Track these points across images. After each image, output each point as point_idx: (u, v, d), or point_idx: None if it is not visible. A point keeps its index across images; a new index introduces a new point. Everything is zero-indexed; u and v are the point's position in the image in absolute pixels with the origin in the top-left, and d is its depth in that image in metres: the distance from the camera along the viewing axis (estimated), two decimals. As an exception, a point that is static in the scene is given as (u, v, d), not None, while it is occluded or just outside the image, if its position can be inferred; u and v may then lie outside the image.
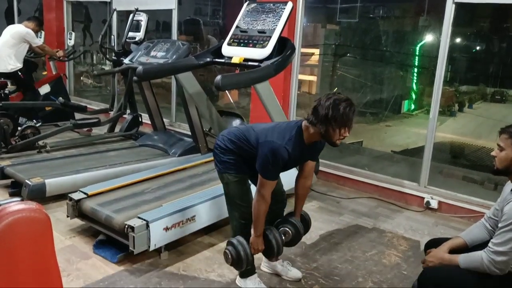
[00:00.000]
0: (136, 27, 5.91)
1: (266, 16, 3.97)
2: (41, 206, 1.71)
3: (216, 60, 4.20)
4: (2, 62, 6.22)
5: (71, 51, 7.28)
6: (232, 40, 4.08)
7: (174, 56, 4.72)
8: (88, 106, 7.44)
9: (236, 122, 5.26)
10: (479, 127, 8.47)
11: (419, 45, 7.92)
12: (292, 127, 2.63)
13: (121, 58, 5.73)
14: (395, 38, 8.15)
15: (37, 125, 6.04)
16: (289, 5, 3.96)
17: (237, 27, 4.13)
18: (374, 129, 8.29)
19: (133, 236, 3.13)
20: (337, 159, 5.53)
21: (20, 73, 6.37)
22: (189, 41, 7.97)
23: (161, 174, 4.33)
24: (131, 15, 5.90)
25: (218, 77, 3.40)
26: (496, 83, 9.15)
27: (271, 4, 4.07)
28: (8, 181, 4.56)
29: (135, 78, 4.51)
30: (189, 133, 5.36)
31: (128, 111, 6.64)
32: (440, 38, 4.46)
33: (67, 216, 3.70)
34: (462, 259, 2.33)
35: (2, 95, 6.25)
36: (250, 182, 2.93)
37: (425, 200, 4.60)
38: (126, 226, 3.18)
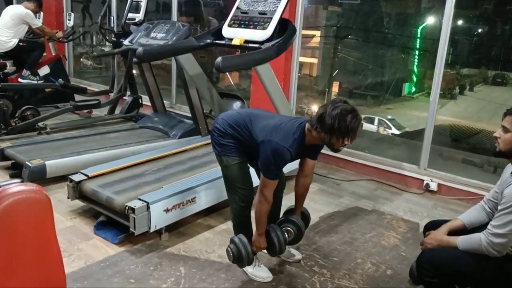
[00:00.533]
0: (135, 8, 5.84)
1: (267, -3, 3.92)
2: (41, 188, 1.72)
3: (217, 41, 4.16)
4: (1, 43, 6.17)
5: (70, 32, 7.21)
6: (232, 21, 4.04)
7: (174, 38, 4.67)
8: (88, 87, 7.41)
9: (237, 104, 5.25)
10: (480, 110, 8.47)
11: (421, 28, 7.87)
12: (296, 128, 2.61)
13: (121, 40, 5.68)
14: (397, 20, 8.09)
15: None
16: (291, -14, 3.91)
17: (237, 8, 4.09)
18: (375, 111, 8.29)
19: (134, 218, 3.15)
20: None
21: (21, 43, 6.30)
22: (189, 22, 7.92)
23: (161, 156, 4.33)
24: (130, -4, 5.84)
25: (219, 59, 3.38)
26: (498, 66, 9.11)
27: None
28: (9, 163, 4.57)
29: (135, 59, 4.49)
30: (190, 115, 5.35)
31: (128, 92, 6.62)
32: (442, 21, 4.42)
33: (68, 198, 3.71)
34: (461, 241, 2.35)
35: (1, 76, 6.22)
36: (249, 165, 2.93)
37: (425, 182, 4.62)
38: (127, 208, 3.19)
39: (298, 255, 3.23)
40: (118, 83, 6.74)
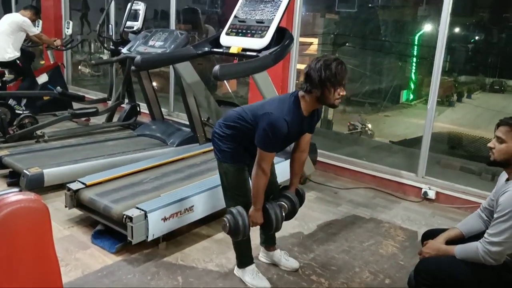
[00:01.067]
0: (134, 16, 5.87)
1: (265, 6, 3.94)
2: (39, 197, 1.72)
3: (214, 50, 4.18)
4: (0, 51, 6.19)
5: (68, 40, 7.23)
6: (230, 29, 4.06)
7: (172, 46, 4.70)
8: (86, 95, 7.40)
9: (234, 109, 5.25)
10: (478, 117, 8.47)
11: (418, 35, 7.90)
12: (289, 98, 2.62)
13: (119, 48, 5.70)
14: (394, 28, 8.12)
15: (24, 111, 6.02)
16: (288, -6, 3.93)
17: (235, 16, 4.11)
18: (373, 119, 8.29)
19: (131, 226, 3.14)
20: (335, 150, 5.54)
21: (18, 62, 6.34)
22: (187, 30, 7.95)
23: (159, 164, 4.33)
24: (129, 4, 5.86)
25: (217, 67, 3.39)
26: (495, 73, 9.14)
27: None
28: (6, 171, 4.56)
29: (133, 67, 4.50)
30: (187, 122, 5.36)
31: (126, 100, 6.62)
32: (439, 28, 4.44)
33: (65, 206, 3.70)
34: (458, 250, 2.35)
35: (0, 84, 6.23)
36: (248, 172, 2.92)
37: (423, 190, 4.62)
38: (125, 216, 3.18)
39: (295, 264, 3.22)
40: (116, 91, 6.75)
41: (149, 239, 3.24)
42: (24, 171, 4.09)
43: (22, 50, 6.44)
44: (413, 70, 8.81)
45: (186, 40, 4.80)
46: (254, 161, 2.66)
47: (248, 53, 3.84)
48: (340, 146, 6.13)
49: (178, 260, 3.27)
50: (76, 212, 3.77)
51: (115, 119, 6.67)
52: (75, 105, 6.63)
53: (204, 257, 3.33)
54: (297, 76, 5.69)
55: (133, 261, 3.22)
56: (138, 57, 3.98)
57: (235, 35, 3.99)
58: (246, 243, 2.98)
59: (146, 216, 3.20)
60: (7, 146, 5.16)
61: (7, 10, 9.87)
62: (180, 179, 3.99)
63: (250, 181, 2.81)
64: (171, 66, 5.87)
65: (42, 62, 8.44)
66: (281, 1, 3.89)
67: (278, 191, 2.99)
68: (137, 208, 3.27)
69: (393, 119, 8.53)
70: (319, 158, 5.15)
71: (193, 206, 3.52)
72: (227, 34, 4.05)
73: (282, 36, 3.86)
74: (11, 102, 6.20)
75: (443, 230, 2.62)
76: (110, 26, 7.14)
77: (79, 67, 10.21)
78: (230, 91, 7.10)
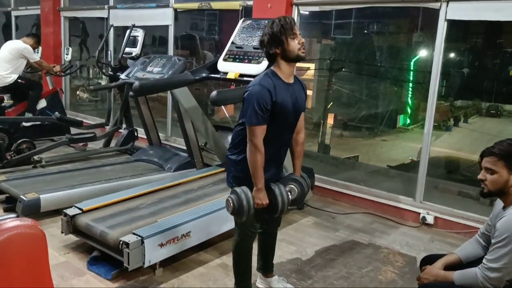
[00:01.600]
0: (132, 42, 5.94)
1: (261, 33, 4.00)
2: (36, 223, 1.72)
3: (212, 75, 4.23)
4: (0, 77, 6.24)
5: (67, 66, 7.30)
6: (227, 56, 4.11)
7: (170, 72, 4.74)
8: (84, 120, 7.42)
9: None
10: (475, 141, 8.52)
11: (413, 61, 7.99)
12: (262, 72, 2.69)
13: (118, 73, 5.74)
14: (389, 54, 8.23)
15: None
16: (284, 21, 3.99)
17: (232, 43, 4.17)
18: (370, 143, 8.33)
19: (128, 252, 3.11)
20: (333, 174, 5.54)
21: (20, 80, 6.39)
22: (185, 56, 8.03)
23: (156, 189, 4.31)
24: (128, 31, 5.94)
25: (214, 93, 3.43)
26: (491, 97, 9.23)
27: (267, 21, 4.10)
28: (3, 197, 4.53)
29: (131, 93, 4.53)
30: (185, 148, 5.36)
31: (124, 125, 6.64)
32: (434, 54, 4.50)
33: (62, 232, 3.67)
34: (457, 275, 2.33)
35: (-2, 109, 6.27)
36: None
37: (421, 215, 4.60)
38: (121, 242, 3.16)
39: (294, 290, 3.18)
40: (114, 116, 6.78)
41: (146, 265, 3.21)
42: (21, 196, 4.07)
43: (33, 81, 6.54)
44: (409, 95, 8.89)
45: (184, 66, 4.85)
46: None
47: (245, 78, 3.88)
48: (338, 171, 6.13)
49: (174, 286, 3.23)
50: (72, 238, 3.73)
51: (112, 144, 6.68)
52: (73, 130, 6.64)
53: (201, 283, 3.29)
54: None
55: (129, 288, 3.18)
56: (136, 83, 4.01)
57: (233, 61, 4.04)
58: (246, 269, 2.94)
59: (142, 242, 3.17)
60: (4, 172, 5.15)
61: (8, 37, 9.97)
62: (177, 205, 3.98)
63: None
64: (168, 91, 5.91)
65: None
66: (278, 28, 3.95)
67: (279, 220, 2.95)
68: (134, 234, 3.24)
69: (390, 143, 8.56)
70: (316, 183, 5.15)
71: (190, 232, 3.50)
72: (225, 60, 4.10)
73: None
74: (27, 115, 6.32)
75: (442, 256, 2.60)
76: (109, 52, 7.21)
77: (78, 92, 10.27)
78: (227, 116, 7.13)
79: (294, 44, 2.54)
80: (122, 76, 5.29)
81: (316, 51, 8.23)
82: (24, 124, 6.47)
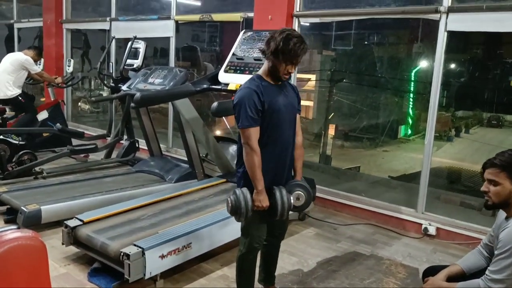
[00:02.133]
0: (134, 54, 5.97)
1: (262, 44, 4.02)
2: (37, 234, 1.71)
3: (213, 86, 4.25)
4: (1, 88, 6.28)
5: (69, 77, 7.33)
6: (228, 67, 4.13)
7: (172, 83, 4.75)
8: (86, 132, 7.45)
9: (233, 148, 5.27)
10: (476, 152, 8.51)
11: (413, 71, 8.02)
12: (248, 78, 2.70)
13: (119, 85, 5.77)
14: (389, 65, 8.25)
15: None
16: (285, 33, 4.02)
17: (233, 54, 4.19)
18: (371, 154, 8.32)
19: (129, 264, 3.10)
20: (334, 185, 5.52)
21: (20, 98, 6.42)
22: (186, 67, 8.07)
23: (157, 200, 4.30)
24: (129, 43, 5.97)
25: (215, 104, 3.44)
26: (492, 108, 9.24)
27: (267, 33, 4.12)
28: (4, 208, 4.53)
29: (132, 104, 4.54)
30: (186, 158, 5.36)
31: (125, 136, 6.65)
32: (434, 64, 4.51)
33: (62, 243, 3.66)
34: (460, 287, 2.31)
35: (0, 121, 6.27)
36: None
37: (423, 226, 4.58)
38: (122, 254, 3.15)
39: (295, 302, 3.16)
40: (116, 127, 6.79)
41: (147, 277, 3.19)
42: (22, 208, 4.06)
43: (24, 92, 6.53)
44: (410, 106, 8.90)
45: (185, 77, 4.87)
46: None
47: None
48: (339, 182, 6.12)
49: (175, 298, 3.21)
50: (73, 249, 3.72)
51: (114, 155, 6.68)
52: (75, 142, 6.65)
53: (202, 295, 3.27)
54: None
55: (129, 300, 3.16)
56: (137, 94, 4.03)
57: (234, 72, 4.06)
58: (249, 281, 2.93)
59: (143, 254, 3.16)
60: (6, 183, 5.15)
61: (10, 49, 10.03)
62: (178, 216, 3.96)
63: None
64: (170, 103, 5.93)
65: (43, 99, 8.52)
66: (279, 39, 3.97)
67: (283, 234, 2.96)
68: (135, 245, 3.23)
69: (391, 154, 8.55)
70: (318, 194, 5.14)
71: (191, 243, 3.48)
72: (226, 71, 4.12)
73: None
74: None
75: (444, 267, 2.59)
76: (111, 63, 7.25)
77: (79, 103, 10.31)
78: (228, 127, 7.14)
79: (283, 69, 2.56)
80: (124, 87, 5.31)
81: (317, 62, 8.26)
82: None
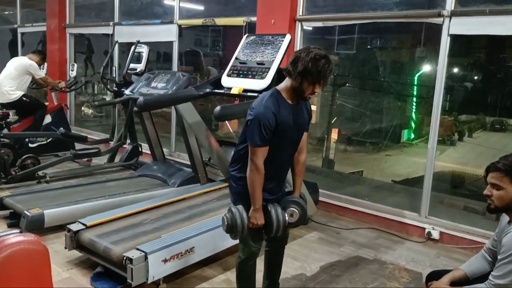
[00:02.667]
0: (137, 58, 5.99)
1: (265, 48, 4.03)
2: (39, 238, 1.71)
3: (216, 91, 4.25)
4: (4, 93, 6.30)
5: (73, 82, 7.36)
6: (231, 71, 4.13)
7: (174, 87, 4.76)
8: (89, 136, 7.47)
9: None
10: (480, 156, 8.49)
11: (416, 76, 8.01)
12: (267, 92, 2.64)
13: (122, 89, 5.78)
14: (392, 69, 8.25)
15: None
16: (288, 37, 4.03)
17: (236, 58, 4.19)
18: (374, 158, 8.31)
19: (131, 268, 3.09)
20: (337, 189, 5.51)
21: (24, 98, 6.45)
22: (189, 71, 8.08)
23: (160, 204, 4.31)
24: (132, 47, 5.99)
25: (218, 108, 3.44)
26: (495, 112, 9.22)
27: (270, 37, 4.14)
28: (7, 212, 4.53)
29: (135, 108, 4.55)
30: (189, 163, 5.36)
31: (128, 141, 6.66)
32: (437, 69, 4.51)
33: (65, 248, 3.66)
34: (464, 292, 2.30)
35: (4, 125, 6.30)
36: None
37: (426, 230, 4.57)
38: (125, 258, 3.14)
39: (298, 307, 3.14)
40: (119, 131, 6.80)
41: (149, 281, 3.19)
42: (25, 212, 4.07)
43: (38, 101, 6.61)
44: (413, 110, 8.89)
45: (188, 81, 4.88)
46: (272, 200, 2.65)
47: (249, 93, 3.90)
48: (342, 186, 6.11)
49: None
50: (76, 253, 3.72)
51: (116, 159, 6.69)
52: (78, 146, 6.67)
53: (204, 300, 3.26)
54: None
55: (132, 304, 3.15)
56: (140, 98, 4.03)
57: (236, 77, 4.06)
58: (250, 286, 2.92)
59: (146, 258, 3.15)
60: (9, 187, 5.16)
61: (14, 54, 10.08)
62: (181, 220, 3.97)
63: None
64: (173, 107, 5.94)
65: (46, 103, 8.55)
66: (281, 44, 3.98)
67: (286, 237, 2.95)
68: (138, 249, 3.23)
69: (394, 158, 8.54)
70: (321, 198, 5.13)
71: (194, 247, 3.48)
72: (228, 75, 4.12)
73: (283, 77, 3.91)
74: None
75: (448, 271, 2.57)
76: (114, 68, 7.27)
77: (82, 108, 10.33)
78: (231, 131, 7.15)
79: (310, 90, 2.53)
80: (127, 91, 5.33)
81: (320, 67, 8.26)
82: (30, 145, 6.52)
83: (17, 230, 1.75)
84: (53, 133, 6.60)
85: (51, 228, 4.20)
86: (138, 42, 6.00)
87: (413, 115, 9.00)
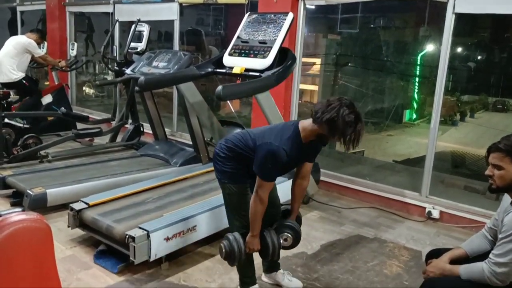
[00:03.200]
0: (138, 37, 5.94)
1: (267, 27, 3.99)
2: (42, 217, 1.72)
3: (218, 70, 4.22)
4: (5, 72, 6.27)
5: (73, 61, 7.31)
6: (233, 50, 4.10)
7: (176, 67, 4.74)
8: (90, 116, 7.46)
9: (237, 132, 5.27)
10: (481, 136, 8.46)
11: (420, 55, 7.94)
12: (289, 127, 2.64)
13: (123, 68, 5.75)
14: (395, 48, 8.17)
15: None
16: (290, 15, 3.98)
17: (238, 37, 4.16)
18: (376, 138, 8.28)
19: (134, 246, 3.13)
20: (338, 169, 5.53)
21: (24, 81, 6.43)
22: (191, 51, 8.02)
23: (162, 184, 4.33)
24: (133, 26, 5.94)
25: (219, 88, 3.42)
26: (498, 92, 9.16)
27: (272, 15, 4.09)
28: (10, 191, 4.56)
29: (137, 88, 4.53)
30: (190, 142, 5.37)
31: (129, 120, 6.66)
32: (441, 48, 4.47)
33: (68, 226, 3.70)
34: (463, 270, 2.32)
35: (5, 105, 6.29)
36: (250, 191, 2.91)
37: (427, 210, 4.59)
38: (127, 236, 3.17)
39: (299, 284, 3.19)
40: (120, 111, 6.79)
41: (152, 259, 3.22)
42: (28, 191, 4.09)
43: (28, 76, 6.52)
44: (416, 90, 8.84)
45: (190, 61, 4.84)
46: (255, 183, 2.68)
47: (251, 73, 3.88)
48: (343, 166, 6.12)
49: (180, 280, 3.25)
50: (79, 232, 3.76)
51: (118, 139, 6.70)
52: (79, 126, 6.67)
53: (206, 277, 3.30)
54: (299, 96, 5.72)
55: (135, 281, 3.20)
56: (141, 78, 4.02)
57: (238, 56, 4.03)
58: (249, 263, 2.96)
59: (148, 236, 3.18)
60: (11, 166, 5.18)
61: (13, 32, 10.00)
62: (183, 199, 3.99)
63: None
64: (174, 87, 5.92)
65: (47, 83, 8.52)
66: (284, 22, 3.94)
67: (280, 218, 2.98)
68: (140, 228, 3.26)
69: (396, 138, 8.52)
70: (322, 178, 5.15)
71: (196, 225, 3.51)
72: (230, 54, 4.09)
73: (285, 56, 3.89)
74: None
75: (448, 250, 2.59)
76: (115, 47, 7.22)
77: (84, 87, 10.30)
78: (233, 111, 7.13)
79: (334, 140, 2.57)
80: (128, 71, 5.30)
81: (322, 46, 8.19)
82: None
83: (19, 209, 1.76)
84: (54, 112, 6.59)
85: (54, 207, 4.23)
86: (139, 20, 5.95)
87: (416, 95, 8.95)
